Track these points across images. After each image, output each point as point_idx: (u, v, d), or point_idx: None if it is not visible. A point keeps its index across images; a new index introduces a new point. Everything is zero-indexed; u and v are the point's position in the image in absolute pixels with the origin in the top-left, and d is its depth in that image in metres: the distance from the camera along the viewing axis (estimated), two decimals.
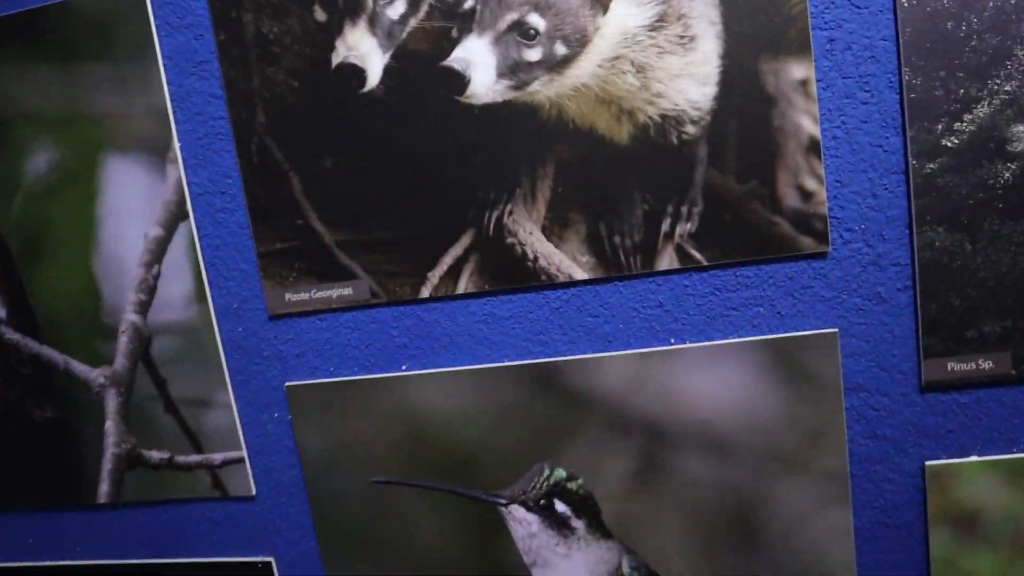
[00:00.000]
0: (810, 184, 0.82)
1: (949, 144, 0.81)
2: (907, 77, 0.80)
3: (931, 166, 0.81)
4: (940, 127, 0.81)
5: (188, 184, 0.94)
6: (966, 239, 0.82)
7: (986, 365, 0.84)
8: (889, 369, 0.85)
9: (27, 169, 0.98)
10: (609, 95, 0.83)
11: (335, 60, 0.86)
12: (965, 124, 0.80)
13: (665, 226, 0.85)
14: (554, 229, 0.87)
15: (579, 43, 0.81)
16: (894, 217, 0.83)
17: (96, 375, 1.01)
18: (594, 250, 0.86)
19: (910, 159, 0.81)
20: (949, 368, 0.85)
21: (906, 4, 0.79)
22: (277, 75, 0.89)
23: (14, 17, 0.93)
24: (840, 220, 0.83)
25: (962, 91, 0.80)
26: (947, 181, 0.81)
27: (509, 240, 0.87)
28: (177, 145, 0.93)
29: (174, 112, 0.92)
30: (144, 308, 0.97)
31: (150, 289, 0.97)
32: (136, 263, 0.96)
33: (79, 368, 1.01)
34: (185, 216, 0.94)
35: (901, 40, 0.80)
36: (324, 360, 0.95)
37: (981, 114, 0.80)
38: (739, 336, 0.86)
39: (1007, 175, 0.80)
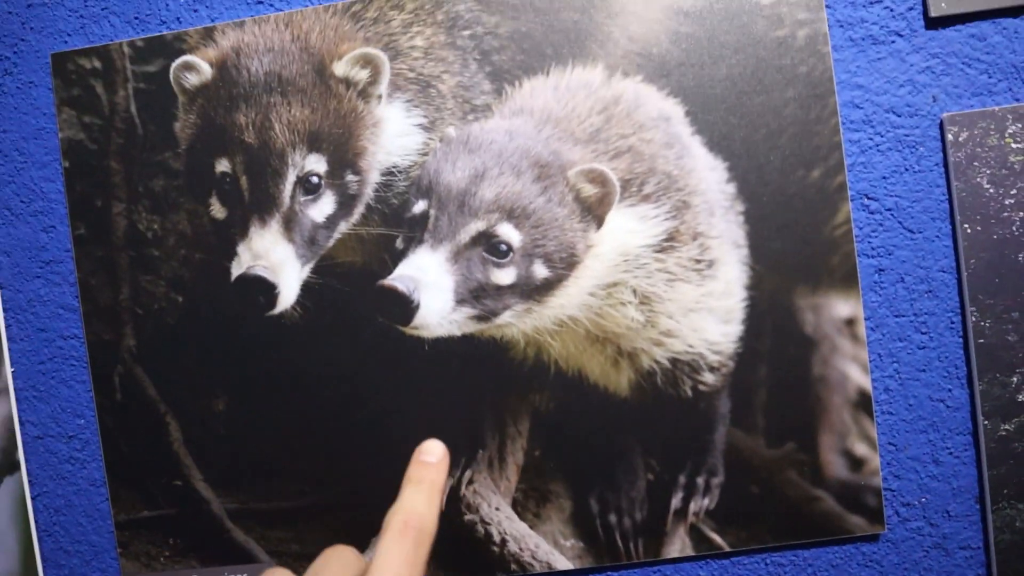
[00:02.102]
0: (860, 449, 0.64)
1: None
2: (973, 318, 0.63)
3: (1006, 427, 0.64)
4: (1015, 380, 0.64)
5: (21, 424, 0.67)
6: None
7: None
8: None
9: None
10: (604, 332, 0.63)
11: (236, 270, 0.63)
12: None
13: (676, 501, 0.64)
14: (529, 504, 0.64)
15: (565, 264, 0.61)
16: (961, 489, 0.64)
17: None
18: (582, 532, 0.64)
19: (980, 418, 0.64)
20: None
21: (968, 230, 0.63)
22: (155, 286, 0.66)
23: None
24: (896, 493, 0.64)
25: None
26: None
27: (468, 517, 0.64)
28: (9, 371, 0.67)
29: (8, 326, 0.67)
30: None
31: None
32: None
33: None
34: (14, 467, 0.67)
35: (964, 273, 0.63)
36: None
37: None
38: None
39: None
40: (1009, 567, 0.65)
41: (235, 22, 0.65)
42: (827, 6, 0.63)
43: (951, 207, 0.63)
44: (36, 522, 0.68)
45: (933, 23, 0.63)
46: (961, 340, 0.64)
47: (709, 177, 0.62)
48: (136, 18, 0.67)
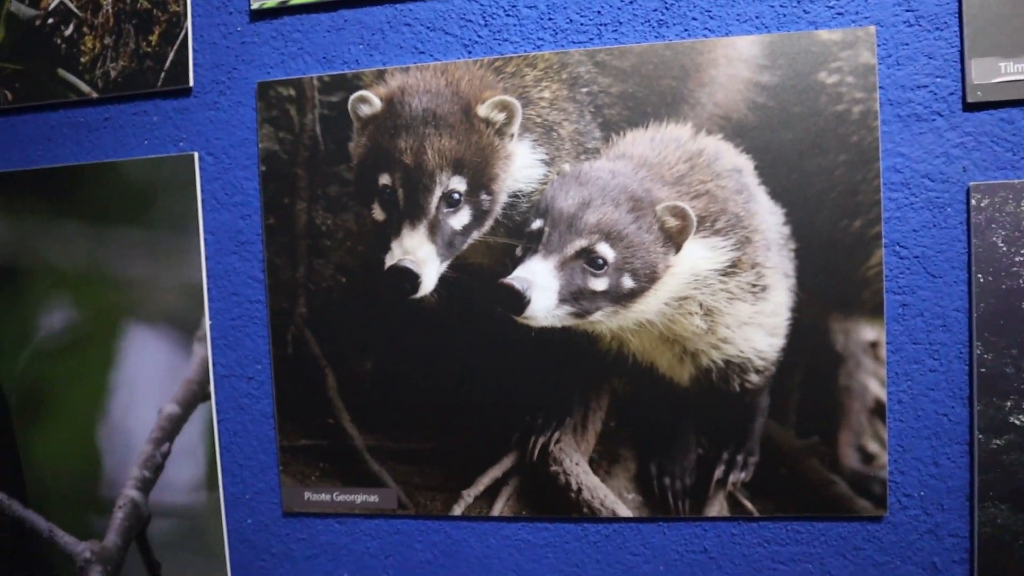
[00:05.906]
0: (872, 446, 0.79)
1: (1016, 422, 0.78)
2: (978, 351, 0.78)
3: (997, 442, 0.79)
4: (1009, 404, 0.78)
5: (214, 364, 0.88)
6: None
7: None
8: None
9: (40, 324, 0.91)
10: (674, 334, 0.79)
11: (389, 261, 0.82)
12: None
13: (718, 473, 0.80)
14: (602, 463, 0.82)
15: (648, 279, 0.78)
16: (955, 488, 0.79)
17: (82, 549, 0.92)
18: (642, 488, 0.82)
19: (976, 432, 0.78)
20: None
21: (981, 279, 0.77)
22: (325, 268, 0.85)
23: (48, 172, 0.89)
24: (899, 485, 0.80)
25: None
26: (1013, 459, 0.78)
27: (553, 468, 0.82)
28: (208, 323, 0.87)
29: (209, 289, 0.87)
30: (147, 486, 0.90)
31: (156, 467, 0.90)
32: (145, 439, 0.89)
33: (64, 539, 0.93)
34: (206, 397, 0.88)
35: (974, 314, 0.78)
36: (337, 565, 0.88)
37: None
38: None
39: None
40: (988, 554, 0.80)
41: (402, 67, 0.83)
42: (880, 87, 0.78)
43: (969, 259, 0.78)
44: (219, 441, 0.89)
45: (969, 107, 0.77)
46: (967, 368, 0.79)
47: (769, 220, 0.78)
48: (324, 58, 0.85)
